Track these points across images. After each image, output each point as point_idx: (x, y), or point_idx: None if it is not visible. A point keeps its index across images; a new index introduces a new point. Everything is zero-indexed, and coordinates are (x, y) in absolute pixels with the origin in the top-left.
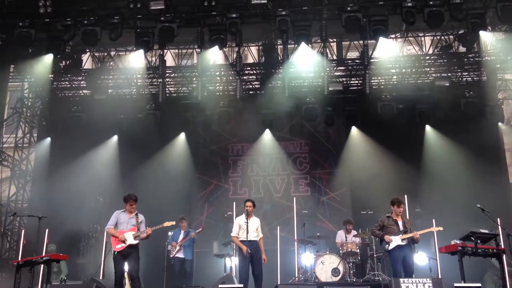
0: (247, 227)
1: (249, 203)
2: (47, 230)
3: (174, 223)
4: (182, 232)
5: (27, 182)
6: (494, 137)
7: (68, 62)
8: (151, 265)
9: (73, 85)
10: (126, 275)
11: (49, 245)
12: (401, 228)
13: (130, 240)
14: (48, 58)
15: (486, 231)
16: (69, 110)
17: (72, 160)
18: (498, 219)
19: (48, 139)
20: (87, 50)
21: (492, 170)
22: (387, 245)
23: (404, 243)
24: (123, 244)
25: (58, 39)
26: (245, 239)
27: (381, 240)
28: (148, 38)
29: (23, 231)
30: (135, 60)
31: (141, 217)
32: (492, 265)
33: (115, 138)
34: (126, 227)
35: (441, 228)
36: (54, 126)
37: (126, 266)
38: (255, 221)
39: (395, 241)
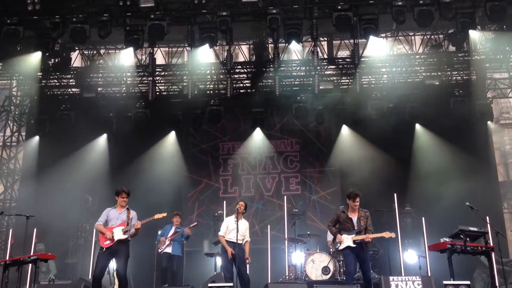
0: (237, 227)
1: (241, 203)
2: (35, 229)
3: (165, 214)
4: (174, 228)
5: (15, 181)
6: (483, 136)
7: (57, 60)
8: (141, 265)
9: (62, 83)
10: (115, 274)
11: (38, 245)
12: (356, 227)
13: (119, 235)
14: (37, 56)
15: (475, 229)
16: (58, 109)
17: (60, 159)
18: (487, 217)
19: (37, 138)
20: (76, 48)
21: (481, 169)
22: (338, 244)
23: (355, 245)
24: (111, 240)
25: (46, 36)
26: (234, 240)
27: (334, 237)
28: (137, 36)
29: (11, 230)
30: (125, 58)
31: (132, 213)
32: (481, 263)
33: (104, 136)
34: (116, 223)
35: (393, 235)
36: (42, 125)
37: (114, 265)
38: (243, 224)
39: (346, 241)
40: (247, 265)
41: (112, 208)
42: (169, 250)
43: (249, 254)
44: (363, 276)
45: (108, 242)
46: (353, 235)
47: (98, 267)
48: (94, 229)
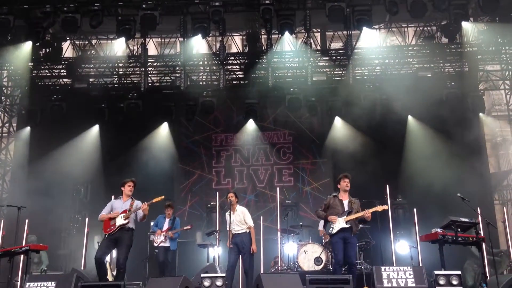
0: (230, 219)
1: (230, 194)
2: (27, 220)
3: (163, 197)
4: (167, 220)
5: (6, 172)
6: (475, 128)
7: (48, 50)
8: (133, 255)
9: (53, 74)
10: (108, 265)
11: (29, 236)
12: (346, 208)
13: (120, 221)
14: (27, 46)
15: (466, 220)
16: (49, 99)
17: (52, 150)
18: (478, 208)
19: (28, 129)
20: (68, 38)
21: (473, 160)
22: (331, 228)
23: (348, 225)
24: (112, 228)
25: (37, 26)
26: (233, 232)
27: (325, 222)
28: (129, 26)
29: (2, 221)
30: (117, 49)
31: (136, 202)
32: (472, 254)
33: (96, 127)
34: (120, 211)
35: (386, 207)
36: (33, 115)
37: (113, 253)
38: (239, 213)
39: (338, 223)
40: (249, 254)
41: (116, 199)
42: (165, 244)
43: None
44: (348, 260)
45: (109, 228)
46: (345, 216)
47: (99, 250)
48: (87, 220)
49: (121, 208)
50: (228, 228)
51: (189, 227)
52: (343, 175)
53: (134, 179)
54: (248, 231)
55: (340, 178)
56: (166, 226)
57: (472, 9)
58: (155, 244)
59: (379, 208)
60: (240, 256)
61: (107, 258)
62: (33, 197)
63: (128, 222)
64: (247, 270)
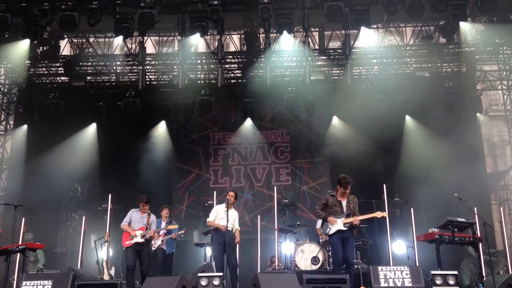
0: (227, 217)
1: (231, 193)
2: (23, 219)
3: (176, 226)
4: (164, 223)
5: (3, 170)
6: (472, 128)
7: (45, 48)
8: None
9: (51, 72)
10: (104, 263)
11: (26, 234)
12: (345, 210)
13: (137, 239)
14: (25, 44)
15: (463, 220)
16: (47, 97)
17: (49, 148)
18: (475, 208)
19: (25, 127)
20: (65, 36)
21: (470, 160)
22: (328, 229)
23: (345, 227)
24: (131, 241)
25: (35, 24)
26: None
27: (323, 221)
28: (128, 24)
29: None
30: (115, 47)
31: (152, 218)
32: (468, 254)
33: (93, 126)
34: (137, 226)
35: (385, 214)
36: (31, 113)
37: (103, 255)
38: (233, 213)
39: (337, 225)
40: (237, 252)
41: (136, 211)
42: (164, 246)
43: (239, 245)
44: (346, 260)
45: (128, 242)
46: (343, 218)
47: (129, 260)
48: (83, 219)
49: (138, 223)
50: (212, 219)
51: (182, 231)
52: (348, 182)
53: (145, 199)
54: (232, 231)
55: (342, 183)
56: (162, 231)
57: (470, 9)
58: (153, 248)
59: (378, 214)
60: (226, 254)
61: (104, 257)
62: (29, 196)
63: (144, 241)
64: (234, 264)
